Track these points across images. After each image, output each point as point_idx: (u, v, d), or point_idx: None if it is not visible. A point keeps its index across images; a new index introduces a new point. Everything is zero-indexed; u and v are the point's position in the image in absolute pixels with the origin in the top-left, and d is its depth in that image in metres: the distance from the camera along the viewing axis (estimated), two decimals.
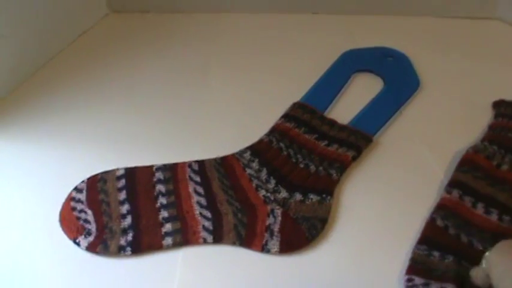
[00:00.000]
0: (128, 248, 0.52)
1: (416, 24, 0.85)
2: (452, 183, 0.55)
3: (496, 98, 0.67)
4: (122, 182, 0.59)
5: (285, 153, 0.60)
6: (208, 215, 0.55)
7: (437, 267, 0.48)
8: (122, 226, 0.54)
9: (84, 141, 0.66)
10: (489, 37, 0.81)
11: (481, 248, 0.49)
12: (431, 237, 0.51)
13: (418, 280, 0.47)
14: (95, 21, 0.92)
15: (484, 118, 0.65)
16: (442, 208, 0.53)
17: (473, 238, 0.50)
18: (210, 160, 0.61)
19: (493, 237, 0.50)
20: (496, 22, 0.84)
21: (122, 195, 0.57)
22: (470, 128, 0.63)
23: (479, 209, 0.53)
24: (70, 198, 0.57)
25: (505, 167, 0.56)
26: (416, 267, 0.49)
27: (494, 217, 0.52)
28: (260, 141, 0.62)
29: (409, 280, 0.48)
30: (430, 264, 0.49)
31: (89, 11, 0.92)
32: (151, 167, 0.60)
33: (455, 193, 0.54)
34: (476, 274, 0.47)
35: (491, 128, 0.62)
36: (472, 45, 0.79)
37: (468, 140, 0.61)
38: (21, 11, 0.73)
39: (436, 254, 0.49)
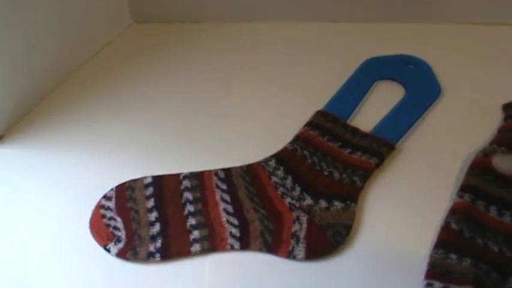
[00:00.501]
0: (157, 255, 0.53)
1: (436, 31, 0.85)
2: (464, 188, 0.56)
3: None
4: (150, 190, 0.60)
5: (309, 161, 0.61)
6: (235, 222, 0.56)
7: (455, 270, 0.48)
8: (150, 233, 0.55)
9: (111, 150, 0.67)
10: (510, 43, 0.82)
11: (496, 250, 0.50)
12: (448, 241, 0.51)
13: (437, 284, 0.48)
14: (118, 32, 0.94)
15: None
16: (455, 212, 0.53)
17: (488, 241, 0.51)
18: (236, 168, 0.62)
19: (508, 238, 0.51)
20: None
21: (150, 203, 0.58)
22: (492, 134, 0.64)
23: (492, 212, 0.53)
24: (100, 206, 0.58)
25: None
26: (434, 271, 0.49)
27: (507, 219, 0.52)
28: (284, 149, 0.63)
29: (428, 285, 0.48)
30: (448, 267, 0.49)
31: (113, 22, 0.93)
32: (178, 175, 0.61)
33: (467, 197, 0.54)
34: (499, 161, 0.48)
35: (501, 130, 0.62)
36: (494, 51, 0.79)
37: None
38: (47, 22, 0.75)
39: (453, 256, 0.49)
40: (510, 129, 0.62)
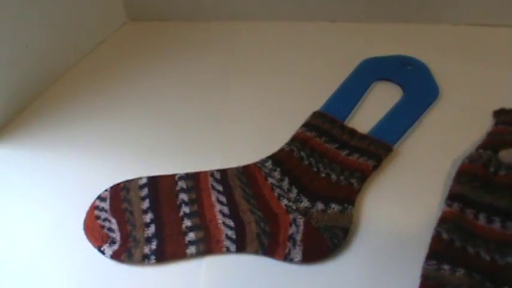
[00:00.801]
0: (152, 257, 0.53)
1: (434, 32, 0.85)
2: (452, 196, 0.54)
3: None
4: (145, 191, 0.59)
5: (306, 162, 0.61)
6: (231, 224, 0.55)
7: (449, 282, 0.48)
8: (145, 235, 0.55)
9: (105, 150, 0.67)
10: (509, 44, 0.81)
11: (488, 259, 0.49)
12: (439, 251, 0.50)
13: None
14: (113, 30, 0.93)
15: None
16: (444, 221, 0.53)
17: (480, 249, 0.50)
18: (232, 169, 0.61)
19: (499, 246, 0.50)
20: None
21: (145, 204, 0.58)
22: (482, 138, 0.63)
23: (481, 220, 0.52)
24: (94, 207, 0.58)
25: (502, 172, 0.55)
26: (428, 283, 0.48)
27: (497, 225, 0.51)
28: (281, 150, 0.63)
29: None
30: (441, 279, 0.48)
31: (107, 20, 0.92)
32: (173, 175, 0.61)
33: (456, 206, 0.53)
34: (506, 154, 0.49)
35: (490, 134, 0.62)
36: (491, 53, 0.79)
37: None
38: (40, 21, 0.74)
39: (446, 267, 0.49)
40: (500, 133, 0.61)
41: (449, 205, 0.54)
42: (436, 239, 0.51)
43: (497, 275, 0.48)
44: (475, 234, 0.51)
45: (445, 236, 0.51)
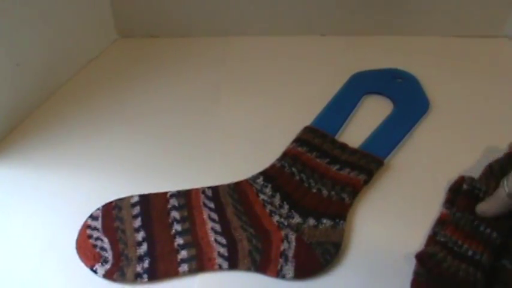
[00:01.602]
0: (145, 275, 0.53)
1: (424, 44, 0.85)
2: (449, 201, 0.57)
3: (506, 116, 0.68)
4: (137, 209, 0.59)
5: (298, 178, 0.61)
6: (223, 241, 0.55)
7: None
8: (137, 253, 0.55)
9: (97, 169, 0.66)
10: (498, 55, 0.82)
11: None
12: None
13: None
14: (104, 47, 0.93)
15: (494, 138, 0.65)
16: (441, 223, 0.54)
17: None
18: (223, 186, 0.61)
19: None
20: (504, 40, 0.85)
21: (137, 222, 0.58)
22: (480, 148, 0.64)
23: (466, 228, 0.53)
24: (86, 226, 0.58)
25: None
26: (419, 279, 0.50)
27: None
28: (272, 166, 0.63)
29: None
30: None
31: (98, 37, 0.93)
32: (165, 193, 0.61)
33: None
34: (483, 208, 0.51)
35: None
36: (481, 64, 0.80)
37: (478, 161, 0.62)
38: (31, 40, 0.74)
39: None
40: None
41: (448, 208, 0.55)
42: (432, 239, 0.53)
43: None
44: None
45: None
